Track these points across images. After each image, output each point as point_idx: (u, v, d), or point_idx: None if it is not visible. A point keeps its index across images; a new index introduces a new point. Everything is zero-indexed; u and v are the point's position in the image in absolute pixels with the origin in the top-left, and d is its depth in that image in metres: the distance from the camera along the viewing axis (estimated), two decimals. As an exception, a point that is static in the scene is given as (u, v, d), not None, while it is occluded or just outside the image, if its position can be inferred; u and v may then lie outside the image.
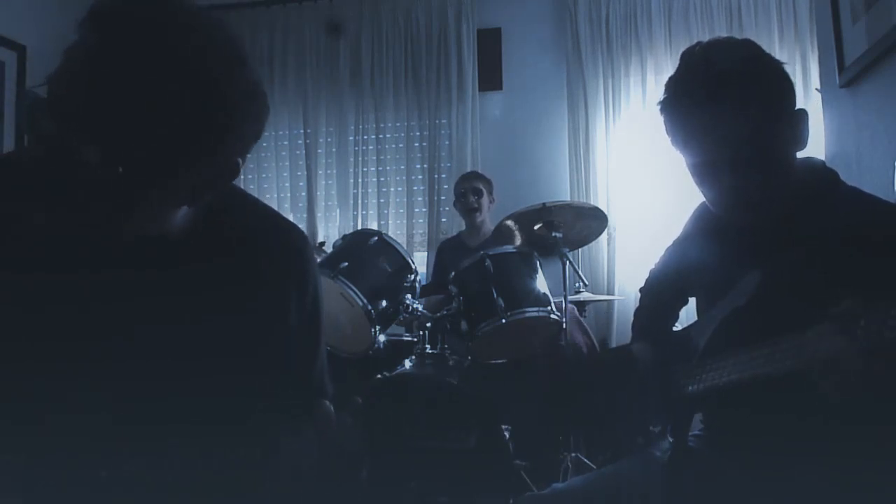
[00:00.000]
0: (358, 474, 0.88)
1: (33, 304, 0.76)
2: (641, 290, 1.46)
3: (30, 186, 0.78)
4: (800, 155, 1.06)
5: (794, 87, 1.04)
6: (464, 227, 3.40)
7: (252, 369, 0.86)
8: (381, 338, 2.31)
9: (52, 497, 0.79)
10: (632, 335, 1.42)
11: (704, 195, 1.09)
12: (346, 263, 2.19)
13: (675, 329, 1.36)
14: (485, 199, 3.23)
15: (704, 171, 1.04)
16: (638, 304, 1.46)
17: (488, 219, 3.22)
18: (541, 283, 2.34)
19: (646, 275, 1.46)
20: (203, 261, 0.85)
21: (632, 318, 1.46)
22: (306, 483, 0.80)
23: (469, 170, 3.60)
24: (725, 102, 0.99)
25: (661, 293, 1.40)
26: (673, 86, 1.06)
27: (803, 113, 1.04)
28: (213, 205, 0.86)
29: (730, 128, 0.99)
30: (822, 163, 1.14)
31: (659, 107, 1.08)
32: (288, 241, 0.95)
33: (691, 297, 1.35)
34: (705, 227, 1.23)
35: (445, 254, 3.33)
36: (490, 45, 3.88)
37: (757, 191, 1.02)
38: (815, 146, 1.08)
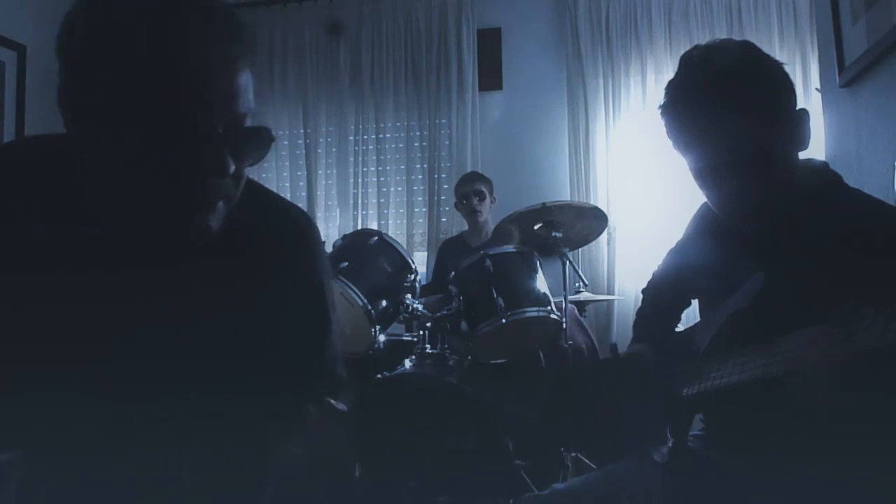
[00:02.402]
0: (348, 477, 0.88)
1: (45, 303, 0.76)
2: (644, 290, 1.46)
3: (38, 182, 0.78)
4: (802, 155, 1.06)
5: (795, 87, 1.04)
6: (465, 227, 3.40)
7: (259, 368, 0.86)
8: (381, 338, 2.31)
9: (54, 496, 0.79)
10: (633, 335, 1.42)
11: (707, 197, 1.09)
12: (346, 263, 2.19)
13: (677, 330, 1.36)
14: (486, 201, 3.24)
15: (706, 175, 1.04)
16: (640, 304, 1.46)
17: (490, 219, 3.22)
18: (541, 283, 2.34)
19: (646, 275, 1.46)
20: (211, 257, 0.84)
21: (632, 319, 1.46)
22: (297, 486, 0.80)
23: (469, 170, 3.59)
24: (725, 105, 0.98)
25: (663, 294, 1.40)
26: (672, 89, 1.06)
27: (804, 113, 1.03)
28: None
29: (730, 130, 0.99)
30: (825, 164, 1.13)
31: (659, 111, 1.07)
32: (293, 228, 0.95)
33: (694, 298, 1.35)
34: (707, 228, 1.23)
35: (447, 253, 3.33)
36: (490, 45, 3.88)
37: (759, 193, 1.01)
38: (815, 146, 1.07)
